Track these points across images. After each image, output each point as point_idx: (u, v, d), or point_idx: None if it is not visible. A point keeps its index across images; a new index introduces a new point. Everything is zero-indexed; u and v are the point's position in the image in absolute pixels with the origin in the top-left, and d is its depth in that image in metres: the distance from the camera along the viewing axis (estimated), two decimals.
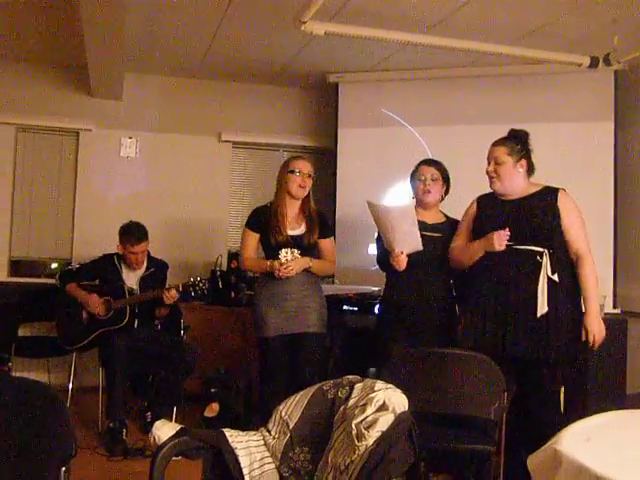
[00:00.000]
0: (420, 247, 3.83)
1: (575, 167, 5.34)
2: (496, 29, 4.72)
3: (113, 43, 4.79)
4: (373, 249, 4.27)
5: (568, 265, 3.58)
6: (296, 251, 4.11)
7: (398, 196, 5.40)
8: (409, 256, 3.87)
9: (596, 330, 3.51)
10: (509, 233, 3.53)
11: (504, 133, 3.81)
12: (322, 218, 4.27)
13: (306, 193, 4.19)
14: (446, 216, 4.16)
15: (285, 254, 4.09)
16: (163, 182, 6.47)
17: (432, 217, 4.11)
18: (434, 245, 3.98)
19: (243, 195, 6.85)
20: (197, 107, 6.60)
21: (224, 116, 6.66)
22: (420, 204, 4.13)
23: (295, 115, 6.83)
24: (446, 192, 4.17)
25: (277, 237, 4.11)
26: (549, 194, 3.64)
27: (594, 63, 4.83)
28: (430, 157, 4.78)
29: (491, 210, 3.73)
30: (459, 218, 4.20)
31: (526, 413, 3.55)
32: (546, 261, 3.50)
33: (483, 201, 3.82)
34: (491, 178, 3.71)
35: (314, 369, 4.06)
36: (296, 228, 4.18)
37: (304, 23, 4.38)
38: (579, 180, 5.28)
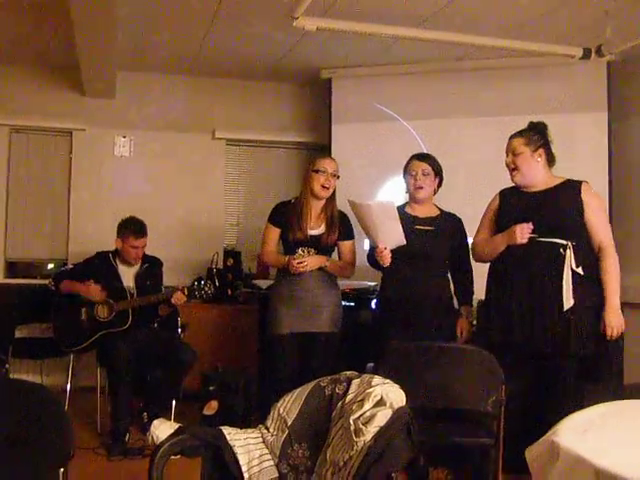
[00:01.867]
0: (404, 241, 3.83)
1: (569, 159, 5.29)
2: (488, 22, 4.72)
3: (104, 42, 4.78)
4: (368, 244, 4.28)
5: (592, 258, 3.58)
6: (313, 251, 4.13)
7: (393, 191, 5.40)
8: (402, 250, 3.87)
9: (615, 323, 3.52)
10: (532, 226, 3.53)
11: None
12: (344, 220, 4.25)
13: (330, 193, 4.17)
14: (440, 209, 4.16)
15: (301, 252, 4.11)
16: (158, 180, 6.46)
17: (425, 211, 4.12)
18: (426, 238, 3.98)
19: (238, 192, 6.85)
20: (190, 105, 6.58)
21: (218, 113, 6.65)
22: (413, 199, 4.13)
23: (289, 111, 6.82)
24: (439, 185, 4.17)
25: (297, 234, 4.11)
26: (572, 187, 3.64)
27: (587, 55, 4.83)
28: (424, 151, 4.79)
29: (514, 203, 3.73)
30: (454, 212, 4.21)
31: (544, 407, 3.55)
32: (570, 254, 3.50)
33: (506, 194, 3.82)
34: (512, 170, 3.70)
35: (325, 368, 4.06)
36: (315, 228, 4.18)
37: (296, 19, 4.37)
38: (573, 171, 5.24)
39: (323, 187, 4.13)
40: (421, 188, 4.06)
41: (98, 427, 4.82)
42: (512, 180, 3.73)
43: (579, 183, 3.65)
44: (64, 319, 4.93)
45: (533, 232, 3.54)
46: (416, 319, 3.94)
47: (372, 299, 5.08)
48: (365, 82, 6.07)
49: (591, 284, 3.54)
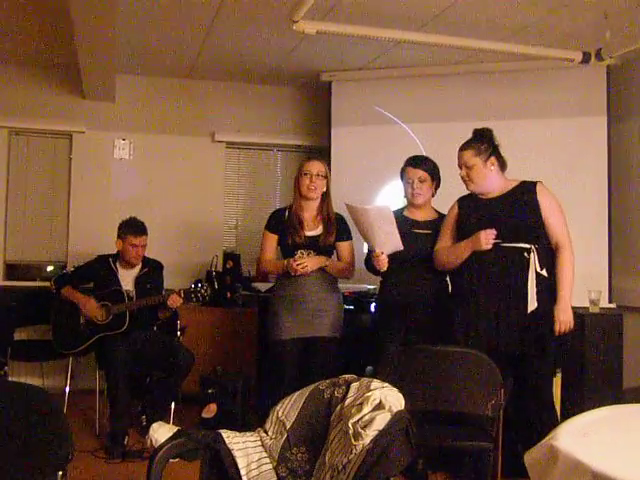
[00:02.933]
0: (401, 247, 3.84)
1: (569, 162, 5.34)
2: (488, 26, 4.72)
3: (105, 45, 4.78)
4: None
5: (554, 258, 3.63)
6: (312, 253, 4.13)
7: (392, 194, 5.39)
8: (401, 254, 3.87)
9: (562, 319, 3.55)
10: (495, 232, 3.56)
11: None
12: (340, 221, 4.26)
13: (317, 194, 4.18)
14: (438, 213, 4.17)
15: (301, 254, 4.12)
16: (157, 183, 6.46)
17: (423, 214, 4.12)
18: (425, 242, 3.99)
19: (237, 195, 6.84)
20: (190, 108, 6.59)
21: (217, 116, 6.65)
22: (411, 204, 4.14)
23: (288, 114, 6.82)
24: (437, 187, 4.17)
25: (294, 238, 4.12)
26: (527, 189, 3.68)
27: (586, 58, 4.83)
28: (423, 154, 4.78)
29: (473, 210, 3.77)
30: None
31: (521, 409, 3.58)
32: (534, 257, 3.55)
33: (464, 202, 3.86)
34: (466, 182, 3.75)
35: (326, 373, 4.05)
36: (313, 229, 4.19)
37: (296, 22, 4.37)
38: (573, 175, 5.29)
39: (309, 188, 4.15)
40: (419, 195, 4.07)
41: (97, 430, 4.82)
42: (467, 189, 3.78)
43: (534, 184, 3.69)
44: (62, 322, 4.96)
45: (496, 237, 3.57)
46: (415, 322, 3.94)
47: (371, 302, 5.08)
48: (365, 85, 6.07)
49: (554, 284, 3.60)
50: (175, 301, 4.79)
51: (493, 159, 3.70)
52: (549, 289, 3.59)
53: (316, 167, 4.18)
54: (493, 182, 3.72)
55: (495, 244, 3.57)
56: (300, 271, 4.03)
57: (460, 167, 3.75)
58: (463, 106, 5.71)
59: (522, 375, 3.58)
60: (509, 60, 5.37)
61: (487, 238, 3.56)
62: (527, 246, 3.56)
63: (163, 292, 5.04)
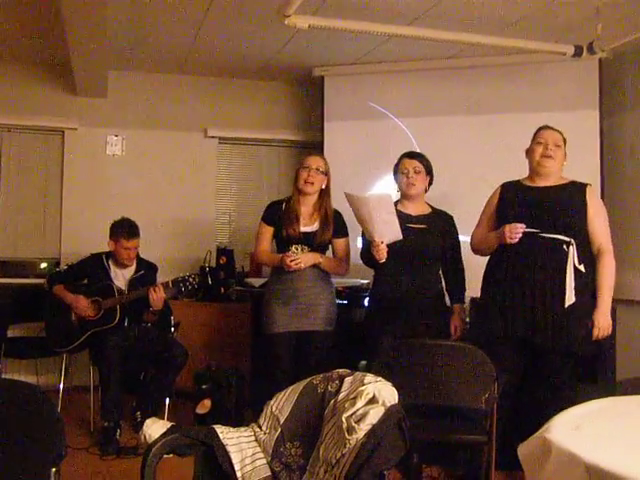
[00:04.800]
0: (400, 236, 3.82)
1: None
2: (480, 20, 4.72)
3: (96, 41, 4.76)
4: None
5: (591, 259, 3.62)
6: (306, 249, 4.13)
7: (385, 188, 5.39)
8: (394, 248, 3.87)
9: (602, 325, 3.55)
10: (524, 226, 3.55)
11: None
12: (338, 218, 4.26)
13: (314, 189, 4.18)
14: (432, 207, 4.17)
15: (295, 250, 4.11)
16: (150, 179, 6.45)
17: (417, 209, 4.12)
18: (418, 236, 3.98)
19: (230, 190, 6.83)
20: (182, 103, 6.57)
21: (210, 112, 6.63)
22: (405, 196, 4.14)
23: (281, 109, 6.81)
24: (430, 183, 4.17)
25: (289, 231, 4.12)
26: (578, 188, 3.70)
27: (578, 52, 4.84)
28: (416, 149, 4.79)
29: (517, 196, 3.75)
30: (447, 210, 4.22)
31: (533, 403, 3.57)
32: (573, 250, 3.52)
33: (508, 187, 3.85)
34: (549, 157, 3.69)
35: (319, 367, 4.05)
36: (309, 225, 4.19)
37: (288, 17, 4.37)
38: (565, 169, 5.28)
39: (306, 182, 4.14)
40: (413, 185, 4.07)
41: (91, 426, 4.81)
42: (542, 164, 3.71)
43: (584, 185, 3.71)
44: (55, 320, 4.95)
45: (536, 227, 3.55)
46: (408, 317, 3.94)
47: (365, 297, 5.07)
48: (357, 80, 6.07)
49: (592, 283, 3.57)
50: (159, 296, 4.74)
51: (566, 155, 3.74)
52: (587, 286, 3.57)
53: (315, 162, 4.18)
54: (559, 171, 3.73)
55: (534, 233, 3.55)
56: (293, 267, 4.03)
57: (544, 143, 3.70)
58: (455, 100, 5.71)
59: (544, 371, 3.60)
60: (501, 54, 5.37)
61: (512, 232, 3.55)
62: (567, 239, 3.54)
63: None
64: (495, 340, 3.59)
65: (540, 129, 3.78)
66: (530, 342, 3.56)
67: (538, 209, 3.61)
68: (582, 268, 3.53)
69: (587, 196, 3.65)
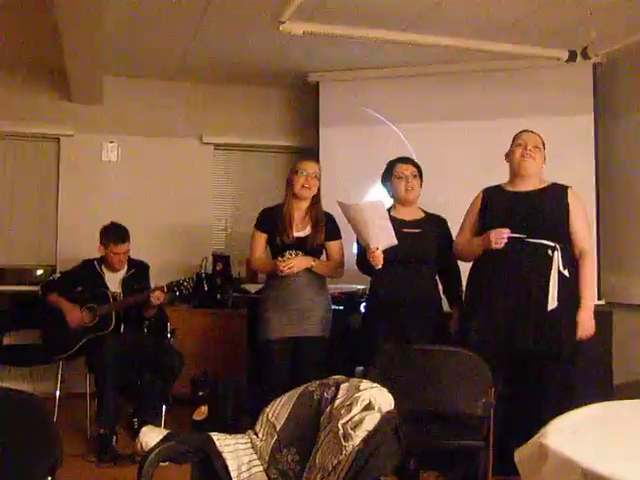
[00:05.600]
0: (395, 241, 3.82)
1: (556, 160, 5.32)
2: (474, 25, 4.73)
3: (91, 47, 4.77)
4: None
5: (575, 261, 3.62)
6: (300, 253, 4.13)
7: (381, 194, 5.40)
8: (391, 254, 3.87)
9: (585, 326, 3.55)
10: (509, 231, 3.55)
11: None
12: (329, 220, 4.26)
13: (311, 194, 4.18)
14: (425, 212, 4.17)
15: (289, 255, 4.11)
16: (146, 186, 6.44)
17: (411, 214, 4.13)
18: (414, 241, 3.98)
19: (226, 196, 6.84)
20: (178, 110, 6.57)
21: (205, 118, 6.64)
22: (400, 202, 4.14)
23: (276, 115, 6.81)
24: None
25: (283, 238, 4.12)
26: (559, 190, 3.70)
27: (572, 57, 4.85)
28: (412, 155, 4.79)
29: (499, 201, 3.75)
30: (441, 214, 4.22)
31: (525, 409, 3.57)
32: (558, 256, 3.53)
33: (490, 193, 3.84)
34: (529, 157, 3.69)
35: (315, 373, 4.05)
36: (301, 230, 4.18)
37: (282, 23, 4.37)
38: (561, 173, 5.27)
39: (303, 187, 4.14)
40: (412, 189, 4.08)
41: (88, 434, 4.80)
42: (522, 165, 3.71)
43: (565, 188, 3.70)
44: (51, 327, 4.93)
45: (521, 232, 3.55)
46: (405, 322, 3.94)
47: (361, 303, 5.07)
48: (352, 86, 6.07)
49: (575, 287, 3.57)
50: (158, 297, 4.76)
51: (545, 154, 3.75)
52: (570, 291, 3.57)
53: (311, 167, 4.18)
54: (539, 173, 3.74)
55: (519, 239, 3.56)
56: (286, 271, 4.03)
57: (523, 144, 3.70)
58: (450, 106, 5.72)
59: (532, 376, 3.59)
60: (495, 59, 5.38)
61: (497, 237, 3.55)
62: (552, 244, 3.55)
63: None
64: (481, 346, 3.57)
65: (519, 132, 3.80)
66: (515, 348, 3.56)
67: (521, 214, 3.62)
68: (566, 272, 3.55)
69: (569, 198, 3.65)
